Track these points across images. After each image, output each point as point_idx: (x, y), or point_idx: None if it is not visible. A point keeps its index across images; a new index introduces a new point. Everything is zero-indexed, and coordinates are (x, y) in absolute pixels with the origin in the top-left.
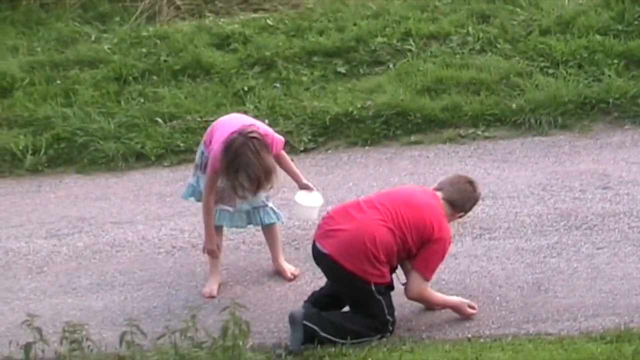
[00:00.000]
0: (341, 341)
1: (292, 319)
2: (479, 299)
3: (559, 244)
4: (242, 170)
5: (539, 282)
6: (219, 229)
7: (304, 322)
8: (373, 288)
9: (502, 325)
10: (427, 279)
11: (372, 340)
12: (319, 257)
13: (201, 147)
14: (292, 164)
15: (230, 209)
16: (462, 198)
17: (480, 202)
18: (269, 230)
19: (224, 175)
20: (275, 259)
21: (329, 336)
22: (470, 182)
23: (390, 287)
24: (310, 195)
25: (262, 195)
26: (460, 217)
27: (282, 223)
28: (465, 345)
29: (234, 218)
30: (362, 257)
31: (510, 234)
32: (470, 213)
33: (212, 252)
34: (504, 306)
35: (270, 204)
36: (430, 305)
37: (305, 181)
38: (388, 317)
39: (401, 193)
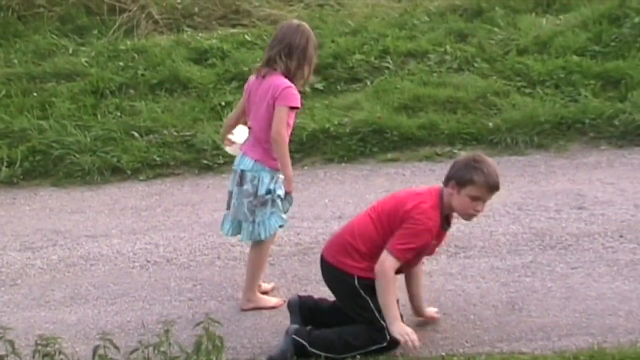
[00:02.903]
0: (331, 355)
1: (286, 332)
2: (453, 317)
3: (533, 263)
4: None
5: (513, 301)
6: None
7: (293, 336)
8: (356, 282)
9: (476, 343)
10: (395, 257)
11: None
12: (320, 265)
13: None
14: None
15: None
16: (457, 170)
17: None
18: None
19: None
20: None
21: (317, 351)
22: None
23: None
24: (240, 131)
25: None
26: (465, 191)
27: None
28: None
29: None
30: (340, 249)
31: (485, 252)
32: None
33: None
34: (478, 325)
35: None
36: (381, 293)
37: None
38: (382, 322)
39: (395, 192)
